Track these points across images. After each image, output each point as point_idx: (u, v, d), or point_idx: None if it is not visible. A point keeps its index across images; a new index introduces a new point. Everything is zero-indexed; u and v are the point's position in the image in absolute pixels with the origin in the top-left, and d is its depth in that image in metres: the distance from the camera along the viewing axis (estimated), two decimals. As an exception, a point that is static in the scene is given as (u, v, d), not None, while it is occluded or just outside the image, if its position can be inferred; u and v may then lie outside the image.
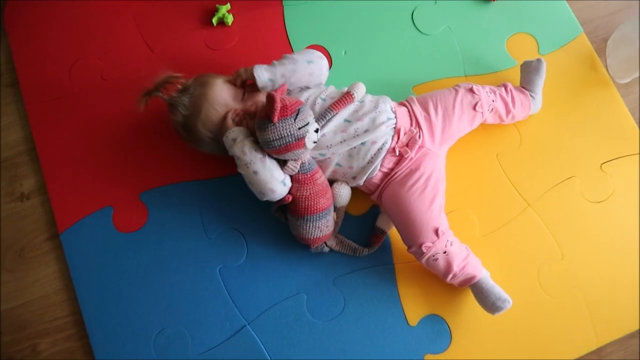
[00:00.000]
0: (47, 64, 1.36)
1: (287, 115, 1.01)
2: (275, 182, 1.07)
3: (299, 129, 1.02)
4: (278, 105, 1.00)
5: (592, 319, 1.18)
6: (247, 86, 1.16)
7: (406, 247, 1.13)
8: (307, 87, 1.16)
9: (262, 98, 1.12)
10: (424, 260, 1.10)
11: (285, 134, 1.01)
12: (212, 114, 1.11)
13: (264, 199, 1.10)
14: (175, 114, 1.13)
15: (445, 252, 1.08)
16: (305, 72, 1.13)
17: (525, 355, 1.16)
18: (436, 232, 1.08)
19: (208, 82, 1.13)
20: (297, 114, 1.02)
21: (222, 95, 1.12)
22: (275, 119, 1.00)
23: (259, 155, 1.06)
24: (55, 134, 1.31)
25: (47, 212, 1.27)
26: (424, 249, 1.08)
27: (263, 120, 1.03)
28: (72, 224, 1.24)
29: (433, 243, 1.07)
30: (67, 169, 1.28)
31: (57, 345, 1.20)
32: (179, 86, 1.14)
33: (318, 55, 1.16)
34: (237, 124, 1.12)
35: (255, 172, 1.06)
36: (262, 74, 1.12)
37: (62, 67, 1.35)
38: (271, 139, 1.02)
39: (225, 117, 1.11)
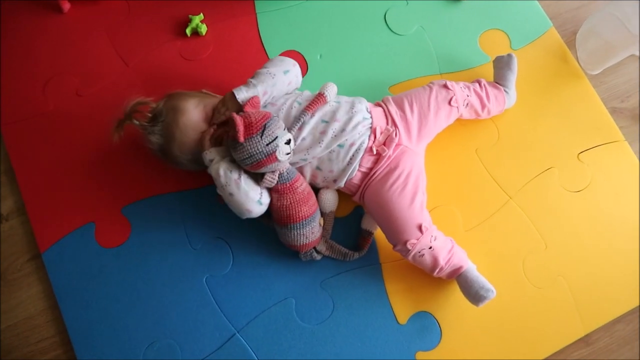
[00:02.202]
0: (19, 83, 1.34)
1: (253, 133, 1.01)
2: (250, 202, 1.07)
3: (267, 145, 1.01)
4: (240, 127, 1.00)
5: (577, 306, 1.19)
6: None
7: (392, 246, 1.13)
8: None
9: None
10: (410, 257, 1.10)
11: (254, 152, 1.02)
12: (186, 138, 1.11)
13: (244, 218, 1.10)
14: (149, 142, 1.13)
15: (430, 247, 1.09)
16: (284, 83, 1.14)
17: (514, 345, 1.17)
18: (419, 228, 1.08)
19: (179, 107, 1.11)
20: (264, 130, 1.01)
21: (193, 119, 1.11)
22: (241, 139, 1.01)
23: (233, 177, 1.06)
24: (31, 153, 1.29)
25: (27, 233, 1.25)
26: (409, 246, 1.08)
27: (233, 141, 1.03)
28: (54, 242, 1.22)
29: (417, 239, 1.08)
30: (45, 187, 1.27)
31: (44, 367, 1.18)
32: (152, 106, 1.12)
33: (292, 62, 1.16)
34: (216, 142, 1.11)
35: (230, 194, 1.07)
36: (245, 96, 1.10)
37: (35, 85, 1.33)
38: (241, 157, 1.03)
39: (202, 137, 1.10)
